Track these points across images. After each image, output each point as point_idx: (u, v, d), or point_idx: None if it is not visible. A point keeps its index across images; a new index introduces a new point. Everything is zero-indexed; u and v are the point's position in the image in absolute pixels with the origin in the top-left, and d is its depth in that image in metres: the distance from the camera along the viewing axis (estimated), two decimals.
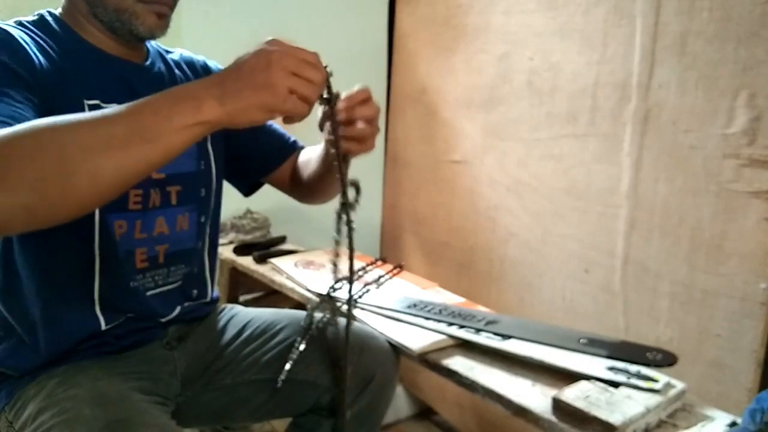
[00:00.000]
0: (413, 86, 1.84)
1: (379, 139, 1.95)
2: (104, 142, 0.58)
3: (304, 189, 1.07)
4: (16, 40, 0.77)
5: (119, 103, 0.83)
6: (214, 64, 1.06)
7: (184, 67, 1.00)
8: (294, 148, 1.10)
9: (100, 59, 0.85)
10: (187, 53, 1.04)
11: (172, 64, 0.98)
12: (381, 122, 1.97)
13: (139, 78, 0.89)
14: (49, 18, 0.85)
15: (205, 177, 0.97)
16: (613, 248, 1.29)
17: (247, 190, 1.13)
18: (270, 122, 1.09)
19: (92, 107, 0.80)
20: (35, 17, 0.85)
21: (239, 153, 1.05)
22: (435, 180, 1.78)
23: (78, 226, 0.81)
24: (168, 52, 1.01)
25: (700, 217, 1.12)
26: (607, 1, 1.27)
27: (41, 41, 0.80)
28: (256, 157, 1.08)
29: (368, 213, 2.01)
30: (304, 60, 0.67)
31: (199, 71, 1.02)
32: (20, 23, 0.82)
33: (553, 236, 1.43)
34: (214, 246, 1.02)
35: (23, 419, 0.77)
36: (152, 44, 0.96)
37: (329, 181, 0.97)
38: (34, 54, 0.78)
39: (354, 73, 1.86)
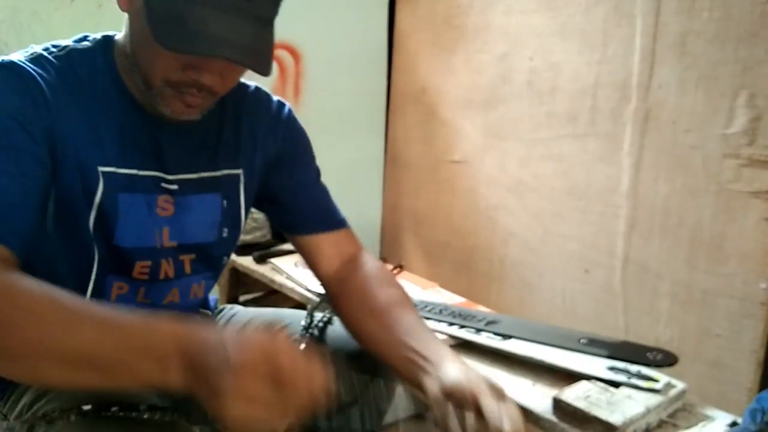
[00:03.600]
0: (413, 86, 1.84)
1: (379, 139, 1.97)
2: (60, 353, 0.53)
3: (353, 320, 0.87)
4: (42, 88, 0.70)
5: (138, 168, 0.77)
6: (287, 107, 0.93)
7: (259, 109, 0.88)
8: (332, 227, 0.92)
9: (132, 113, 0.77)
10: (264, 91, 0.90)
11: (236, 107, 0.86)
12: (381, 122, 1.99)
13: (172, 139, 0.80)
14: (99, 51, 0.77)
15: (229, 244, 0.90)
16: (613, 248, 1.29)
17: (276, 232, 1.02)
18: (318, 180, 0.96)
19: (105, 174, 0.75)
20: (89, 44, 0.77)
21: (273, 200, 0.95)
22: (435, 180, 1.78)
23: (73, 277, 0.78)
24: (244, 86, 0.88)
25: (700, 217, 1.12)
26: (607, 1, 1.26)
27: (77, 84, 0.74)
28: (286, 214, 0.94)
29: (368, 213, 2.01)
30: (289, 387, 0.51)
31: (272, 115, 0.90)
32: (68, 55, 0.75)
33: (553, 236, 1.43)
34: None
35: (18, 410, 0.77)
36: None
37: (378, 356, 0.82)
38: (58, 106, 0.71)
39: (354, 73, 1.87)
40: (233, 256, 1.51)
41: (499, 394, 0.67)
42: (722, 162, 1.08)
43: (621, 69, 1.24)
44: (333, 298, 0.92)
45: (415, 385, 0.74)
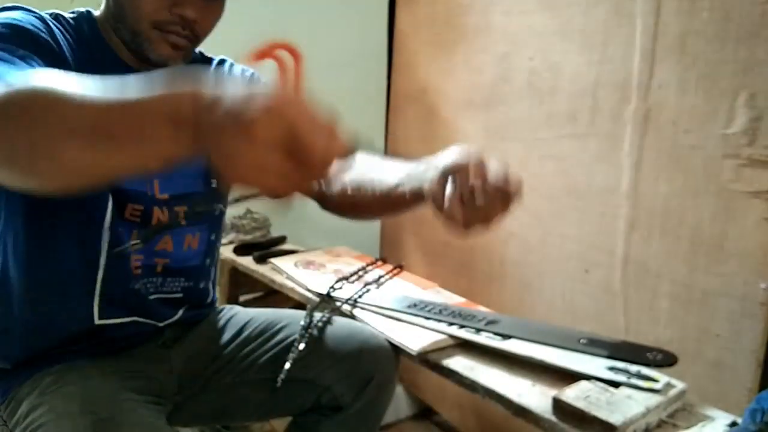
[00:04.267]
0: (413, 86, 1.84)
1: (379, 139, 1.97)
2: (78, 125, 0.50)
3: (345, 195, 0.92)
4: (51, 29, 0.78)
5: None
6: (253, 71, 1.02)
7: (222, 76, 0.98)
8: None
9: (120, 72, 0.84)
10: (228, 62, 1.01)
11: None
12: (381, 122, 1.99)
13: None
14: (85, 19, 0.85)
15: (219, 194, 0.95)
16: (613, 248, 1.29)
17: None
18: None
19: None
20: (73, 14, 0.84)
21: None
22: None
23: (87, 223, 0.82)
24: (209, 60, 0.98)
25: (700, 217, 1.12)
26: (607, 1, 1.26)
27: (70, 40, 0.80)
28: None
29: None
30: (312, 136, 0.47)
31: (230, 77, 0.99)
32: (57, 17, 0.82)
33: (553, 236, 1.43)
34: (218, 255, 1.02)
35: (17, 417, 0.78)
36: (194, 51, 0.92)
37: (386, 211, 0.88)
38: (61, 48, 0.78)
39: (354, 73, 1.87)
40: (233, 256, 1.51)
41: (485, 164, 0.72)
42: (722, 162, 1.08)
43: (621, 69, 1.24)
44: (324, 198, 0.96)
45: (418, 198, 0.78)
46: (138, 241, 0.81)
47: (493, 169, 0.71)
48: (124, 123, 0.50)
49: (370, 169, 0.88)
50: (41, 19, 0.78)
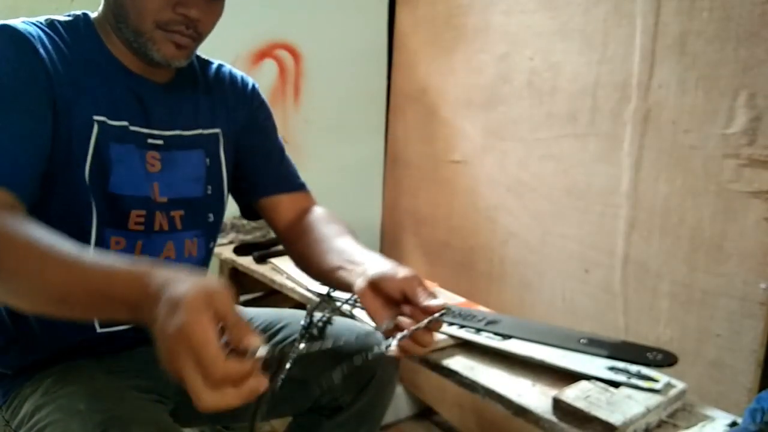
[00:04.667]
0: (413, 86, 1.84)
1: (379, 139, 1.97)
2: (40, 292, 0.61)
3: (300, 254, 0.96)
4: (35, 47, 0.76)
5: (128, 120, 0.83)
6: (252, 81, 1.03)
7: (226, 84, 0.97)
8: (292, 188, 1.02)
9: (118, 73, 0.84)
10: (227, 68, 1.00)
11: (206, 82, 0.95)
12: (381, 122, 1.99)
13: (155, 98, 0.87)
14: (81, 22, 0.84)
15: (214, 202, 0.95)
16: (613, 248, 1.29)
17: (242, 209, 1.07)
18: (283, 150, 1.05)
19: (99, 123, 0.80)
20: (69, 18, 0.84)
21: (240, 165, 1.01)
22: (435, 180, 1.78)
23: (74, 235, 0.81)
24: (208, 63, 0.98)
25: (700, 217, 1.12)
26: (607, 1, 1.27)
27: (64, 47, 0.80)
28: (251, 177, 1.01)
29: (368, 213, 2.01)
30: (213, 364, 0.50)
31: (239, 89, 0.99)
32: (51, 23, 0.81)
33: (553, 236, 1.43)
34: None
35: (20, 418, 0.78)
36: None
37: (323, 282, 0.92)
38: (52, 62, 0.77)
39: (354, 73, 1.87)
40: (233, 257, 1.51)
41: (420, 280, 0.75)
42: (722, 162, 1.08)
43: (621, 69, 1.24)
44: (286, 243, 1.00)
45: (348, 289, 0.81)
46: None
47: (421, 294, 0.75)
48: (81, 300, 0.59)
49: (327, 241, 0.91)
50: (24, 40, 0.76)
